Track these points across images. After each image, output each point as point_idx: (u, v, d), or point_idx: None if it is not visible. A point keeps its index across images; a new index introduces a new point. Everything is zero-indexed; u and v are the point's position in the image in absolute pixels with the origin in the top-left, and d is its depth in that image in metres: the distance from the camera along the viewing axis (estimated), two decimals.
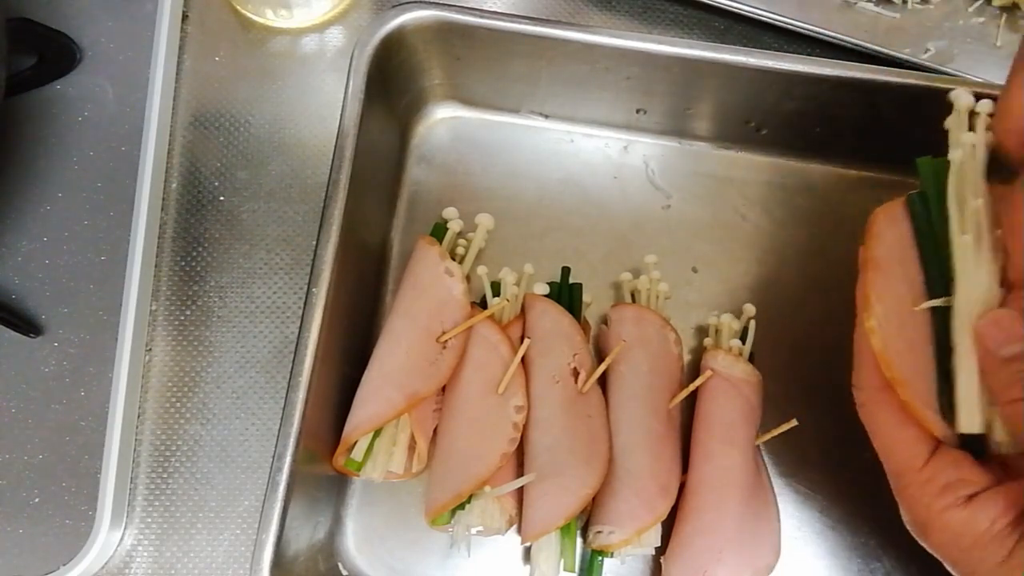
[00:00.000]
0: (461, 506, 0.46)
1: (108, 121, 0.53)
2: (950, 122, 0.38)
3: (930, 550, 0.36)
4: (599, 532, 0.46)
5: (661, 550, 0.47)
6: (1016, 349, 0.33)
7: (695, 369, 0.51)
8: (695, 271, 0.55)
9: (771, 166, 0.57)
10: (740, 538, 0.45)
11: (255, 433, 0.50)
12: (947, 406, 0.35)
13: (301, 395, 0.43)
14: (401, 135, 0.56)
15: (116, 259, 0.50)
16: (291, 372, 0.43)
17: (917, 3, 0.55)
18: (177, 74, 0.56)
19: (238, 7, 0.57)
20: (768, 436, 0.48)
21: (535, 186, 0.56)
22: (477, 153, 0.56)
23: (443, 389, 0.49)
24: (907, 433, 0.36)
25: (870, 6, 0.55)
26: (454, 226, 0.52)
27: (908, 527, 0.37)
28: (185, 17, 0.57)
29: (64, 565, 0.45)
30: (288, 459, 0.42)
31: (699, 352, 0.51)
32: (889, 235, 0.39)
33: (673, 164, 0.56)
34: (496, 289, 0.51)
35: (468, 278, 0.51)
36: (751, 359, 0.50)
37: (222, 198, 0.54)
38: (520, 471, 0.47)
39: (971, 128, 0.37)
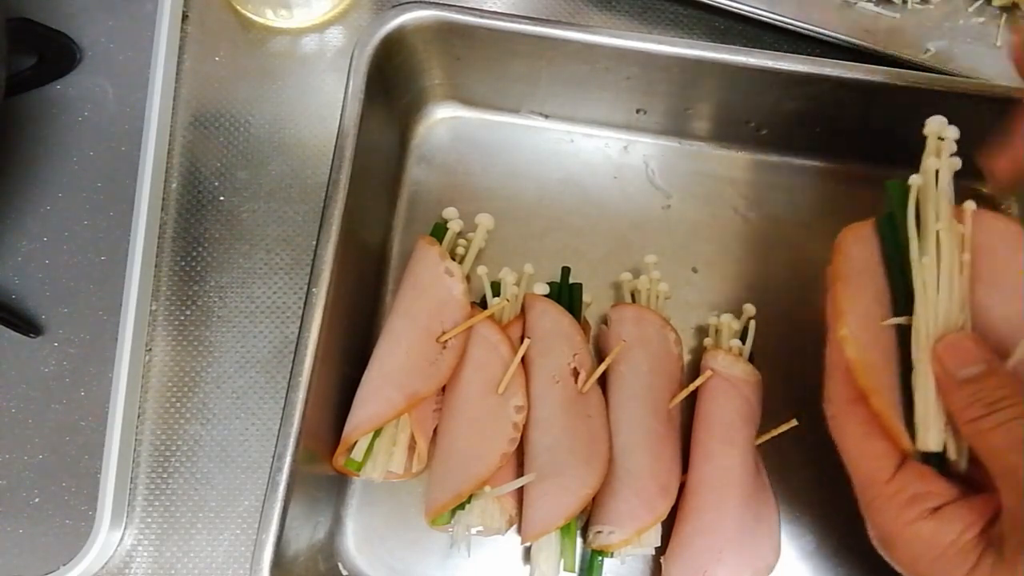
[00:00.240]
0: (461, 506, 0.46)
1: (108, 121, 0.53)
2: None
3: (895, 565, 0.36)
4: (599, 532, 0.46)
5: (661, 550, 0.47)
6: (973, 371, 0.34)
7: (695, 369, 0.51)
8: (695, 271, 0.55)
9: (771, 166, 0.57)
10: (740, 538, 0.45)
11: (255, 433, 0.50)
12: (909, 423, 0.36)
13: (301, 395, 0.43)
14: (401, 135, 0.56)
15: (116, 259, 0.50)
16: (291, 372, 0.43)
17: (917, 3, 0.55)
18: (177, 74, 0.56)
19: (238, 7, 0.57)
20: (768, 436, 0.48)
21: (535, 186, 0.56)
22: (477, 153, 0.56)
23: (443, 389, 0.49)
24: (875, 446, 0.36)
25: (870, 6, 0.55)
26: (454, 226, 0.52)
27: (874, 542, 0.37)
28: (185, 17, 0.57)
29: (64, 565, 0.45)
30: (288, 459, 0.42)
31: (699, 352, 0.51)
32: (856, 253, 0.40)
33: (673, 164, 0.56)
34: (496, 289, 0.51)
35: (468, 278, 0.51)
36: (751, 359, 0.50)
37: (222, 198, 0.54)
38: (520, 471, 0.47)
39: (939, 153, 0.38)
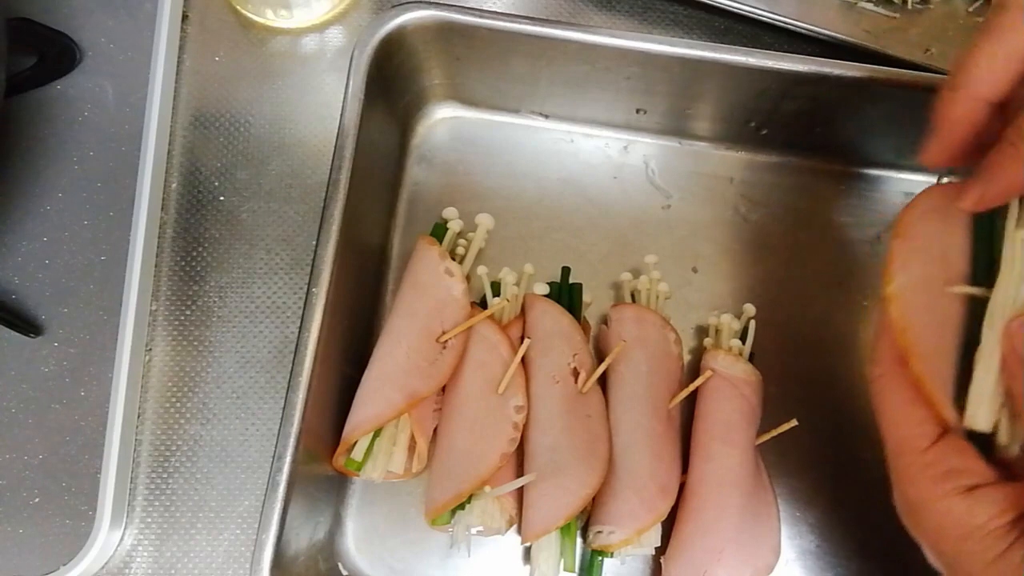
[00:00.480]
0: (461, 506, 0.46)
1: (108, 121, 0.53)
2: None
3: (916, 535, 0.35)
4: (599, 532, 0.46)
5: (661, 550, 0.47)
6: None
7: (695, 369, 0.51)
8: (695, 271, 0.55)
9: (771, 166, 0.57)
10: (740, 538, 0.45)
11: (255, 433, 0.50)
12: (960, 398, 0.35)
13: (301, 395, 0.43)
14: (401, 135, 0.56)
15: (116, 259, 0.50)
16: (291, 372, 0.43)
17: (917, 3, 0.55)
18: (177, 74, 0.56)
19: (238, 7, 0.57)
20: (768, 436, 0.48)
21: (535, 186, 0.56)
22: (477, 153, 0.56)
23: (443, 389, 0.49)
24: (916, 412, 0.35)
25: (870, 6, 0.55)
26: (454, 226, 0.52)
27: (899, 508, 0.36)
28: (185, 17, 0.57)
29: (64, 565, 0.45)
30: (288, 459, 0.42)
31: (699, 352, 0.51)
32: (932, 214, 0.37)
33: (673, 164, 0.56)
34: (496, 289, 0.51)
35: (468, 278, 0.51)
36: (751, 359, 0.50)
37: (222, 198, 0.54)
38: (520, 471, 0.47)
39: None
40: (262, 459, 0.50)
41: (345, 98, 0.46)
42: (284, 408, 0.42)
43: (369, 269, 0.53)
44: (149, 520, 0.49)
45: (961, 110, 0.35)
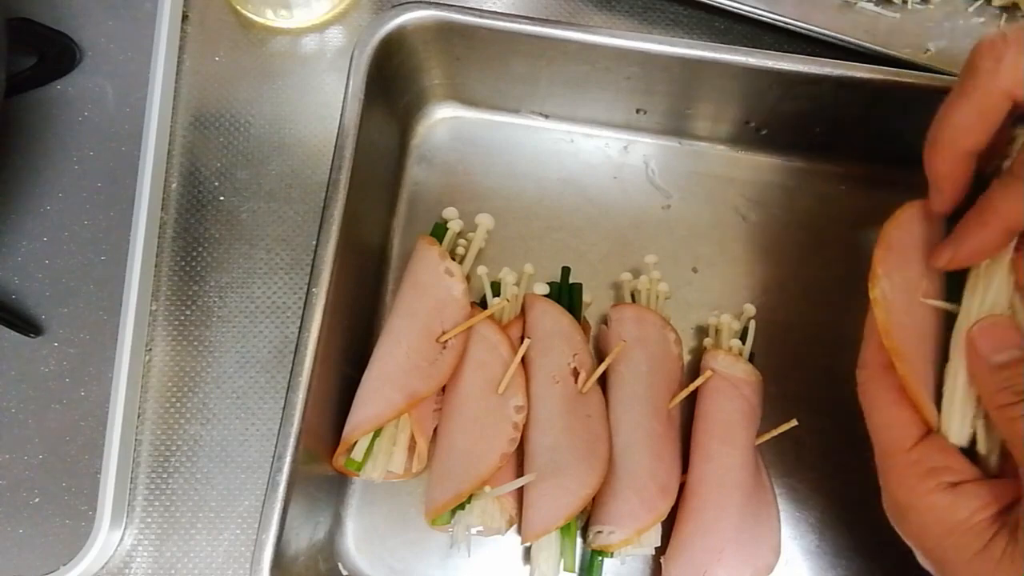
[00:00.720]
0: (461, 506, 0.46)
1: (108, 121, 0.53)
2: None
3: (902, 533, 0.36)
4: (599, 532, 0.46)
5: (661, 550, 0.47)
6: (1007, 357, 0.34)
7: (695, 369, 0.51)
8: (695, 271, 0.55)
9: (771, 166, 0.57)
10: (740, 538, 0.45)
11: (255, 433, 0.50)
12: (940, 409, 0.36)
13: (301, 395, 0.43)
14: (401, 135, 0.56)
15: (116, 259, 0.50)
16: (291, 372, 0.43)
17: (917, 3, 0.55)
18: (177, 74, 0.56)
19: (238, 7, 0.57)
20: (768, 436, 0.48)
21: (535, 186, 0.56)
22: (477, 153, 0.56)
23: (443, 389, 0.49)
24: (902, 414, 0.36)
25: (870, 6, 0.55)
26: (454, 226, 0.52)
27: (886, 508, 0.37)
28: (185, 17, 0.57)
29: (64, 565, 0.45)
30: (288, 459, 0.42)
31: (699, 352, 0.51)
32: (915, 224, 0.39)
33: (673, 164, 0.56)
34: (496, 289, 0.51)
35: (468, 278, 0.51)
36: (751, 359, 0.50)
37: (222, 198, 0.54)
38: (520, 471, 0.47)
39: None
40: (262, 459, 0.50)
41: (345, 98, 0.46)
42: (284, 408, 0.42)
43: (369, 269, 0.53)
44: (149, 520, 0.49)
45: (947, 165, 0.37)
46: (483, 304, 0.51)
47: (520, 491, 0.47)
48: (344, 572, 0.48)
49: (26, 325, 0.49)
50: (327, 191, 0.45)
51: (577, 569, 0.47)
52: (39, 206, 0.51)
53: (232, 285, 0.52)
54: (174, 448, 0.50)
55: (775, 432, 0.48)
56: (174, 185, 0.54)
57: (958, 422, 0.35)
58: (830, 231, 0.55)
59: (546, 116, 0.57)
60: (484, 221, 0.53)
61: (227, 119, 0.55)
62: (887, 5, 0.55)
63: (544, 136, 0.57)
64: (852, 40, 0.53)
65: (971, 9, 0.56)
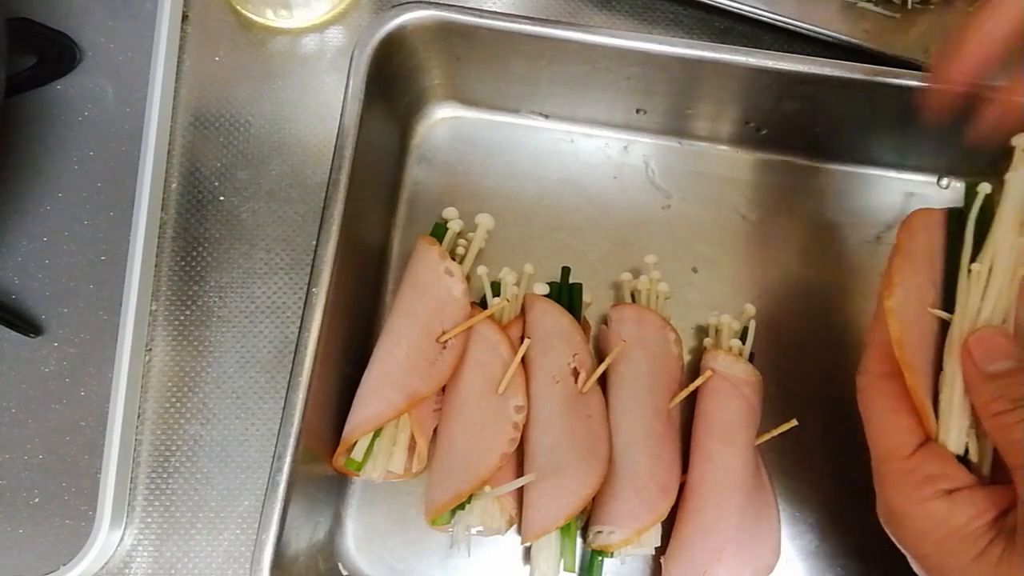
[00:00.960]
0: (461, 506, 0.46)
1: (108, 121, 0.53)
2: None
3: (900, 543, 0.36)
4: (599, 532, 0.46)
5: (661, 550, 0.47)
6: (1002, 366, 0.34)
7: (695, 369, 0.51)
8: (695, 271, 0.55)
9: (771, 166, 0.57)
10: (740, 538, 0.45)
11: (255, 433, 0.50)
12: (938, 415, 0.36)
13: (301, 395, 0.43)
14: (401, 135, 0.56)
15: (116, 259, 0.50)
16: (291, 372, 0.43)
17: (917, 3, 0.55)
18: (177, 74, 0.56)
19: (238, 7, 0.57)
20: (768, 436, 0.48)
21: (535, 186, 0.56)
22: (477, 153, 0.56)
23: (443, 389, 0.49)
24: (900, 421, 0.36)
25: (870, 6, 0.55)
26: (454, 226, 0.52)
27: (881, 515, 0.37)
28: (185, 17, 0.57)
29: (64, 565, 0.45)
30: (288, 459, 0.42)
31: (699, 352, 0.51)
32: (923, 234, 0.39)
33: (673, 164, 0.56)
34: (496, 289, 0.51)
35: (468, 278, 0.51)
36: (751, 359, 0.50)
37: (222, 198, 0.54)
38: (520, 471, 0.47)
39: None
40: (262, 459, 0.50)
41: (345, 98, 0.46)
42: (284, 408, 0.42)
43: (369, 269, 0.53)
44: (149, 520, 0.49)
45: (976, 56, 0.39)
46: (483, 304, 0.51)
47: (520, 491, 0.47)
48: (344, 572, 0.48)
49: (26, 325, 0.49)
50: (327, 191, 0.45)
51: (577, 569, 0.47)
52: (39, 206, 0.51)
53: (232, 285, 0.52)
54: (174, 448, 0.50)
55: (775, 432, 0.48)
56: (174, 185, 0.54)
57: (956, 430, 0.36)
58: (830, 231, 0.55)
59: (546, 116, 0.57)
60: (484, 221, 0.53)
61: (227, 119, 0.55)
62: (887, 5, 0.55)
63: (544, 136, 0.57)
64: (852, 40, 0.53)
65: (971, 9, 0.55)
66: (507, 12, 0.56)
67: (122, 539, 0.48)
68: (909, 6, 0.55)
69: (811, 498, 0.51)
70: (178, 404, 0.51)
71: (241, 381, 0.51)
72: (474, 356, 0.49)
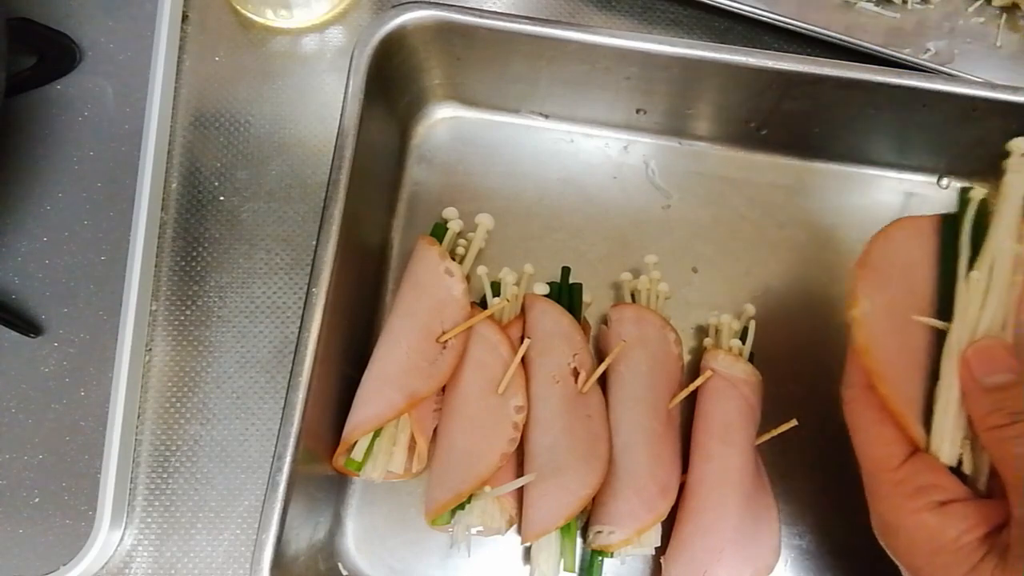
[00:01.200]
0: (461, 506, 0.46)
1: (108, 121, 0.53)
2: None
3: (893, 555, 0.36)
4: (599, 532, 0.46)
5: (661, 550, 0.47)
6: (1001, 379, 0.34)
7: (695, 369, 0.51)
8: (695, 271, 0.55)
9: (771, 166, 0.57)
10: (740, 538, 0.45)
11: (255, 433, 0.50)
12: (930, 421, 0.36)
13: (301, 395, 0.43)
14: (401, 135, 0.56)
15: (116, 259, 0.50)
16: (291, 372, 0.43)
17: (917, 3, 0.55)
18: (177, 74, 0.56)
19: (238, 7, 0.57)
20: (768, 436, 0.48)
21: (535, 186, 0.56)
22: (477, 153, 0.56)
23: (443, 389, 0.49)
24: (887, 432, 0.36)
25: (870, 6, 0.55)
26: (454, 226, 0.52)
27: (874, 526, 0.37)
28: (185, 17, 0.57)
29: (64, 565, 0.45)
30: (288, 459, 0.42)
31: (699, 352, 0.51)
32: (900, 244, 0.39)
33: (673, 164, 0.56)
34: (496, 289, 0.51)
35: (468, 278, 0.51)
36: (751, 359, 0.50)
37: (222, 198, 0.54)
38: (520, 471, 0.47)
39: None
40: (262, 459, 0.50)
41: (345, 98, 0.46)
42: (284, 408, 0.42)
43: (369, 269, 0.53)
44: (149, 520, 0.49)
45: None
46: (483, 304, 0.51)
47: (520, 491, 0.47)
48: (344, 572, 0.48)
49: (26, 325, 0.49)
50: (327, 191, 0.45)
51: (577, 569, 0.47)
52: (39, 206, 0.51)
53: (232, 285, 0.52)
54: (174, 448, 0.50)
55: (775, 432, 0.48)
56: (174, 185, 0.54)
57: (949, 441, 0.35)
58: (830, 231, 0.55)
59: (546, 116, 0.57)
60: (484, 221, 0.53)
61: (227, 119, 0.55)
62: (887, 5, 0.55)
63: (544, 136, 0.57)
64: (852, 40, 0.53)
65: (971, 9, 0.56)
66: (507, 12, 0.56)
67: (122, 539, 0.48)
68: (909, 6, 0.55)
69: (811, 498, 0.51)
70: (178, 404, 0.51)
71: (241, 381, 0.51)
72: (474, 356, 0.49)
